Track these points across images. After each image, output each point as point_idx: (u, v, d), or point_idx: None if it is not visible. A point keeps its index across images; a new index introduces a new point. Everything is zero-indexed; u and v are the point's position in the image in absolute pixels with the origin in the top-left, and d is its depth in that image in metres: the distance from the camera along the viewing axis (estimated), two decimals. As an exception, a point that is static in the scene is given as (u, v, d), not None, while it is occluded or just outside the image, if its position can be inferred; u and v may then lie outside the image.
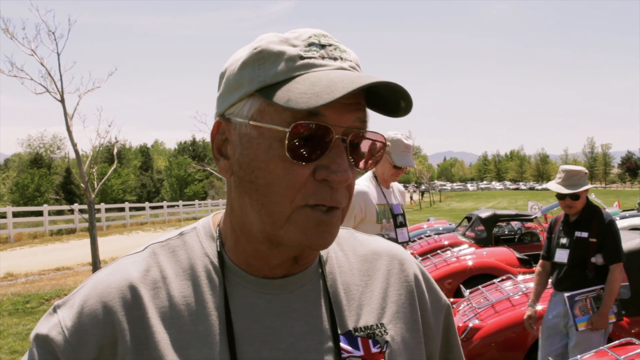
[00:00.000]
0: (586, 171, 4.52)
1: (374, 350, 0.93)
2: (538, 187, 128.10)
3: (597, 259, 4.33)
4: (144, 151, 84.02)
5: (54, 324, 0.86)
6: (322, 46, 0.84)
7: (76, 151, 10.19)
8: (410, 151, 4.02)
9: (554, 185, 4.49)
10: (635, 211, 19.99)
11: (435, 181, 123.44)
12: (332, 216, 0.83)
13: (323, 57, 0.83)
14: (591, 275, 4.34)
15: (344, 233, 1.06)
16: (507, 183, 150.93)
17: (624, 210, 21.89)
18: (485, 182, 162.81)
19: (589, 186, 4.44)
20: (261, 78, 0.82)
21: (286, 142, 0.79)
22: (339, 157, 0.81)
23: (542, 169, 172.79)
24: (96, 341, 0.84)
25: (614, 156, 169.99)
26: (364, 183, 3.92)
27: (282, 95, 0.78)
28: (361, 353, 0.92)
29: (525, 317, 4.66)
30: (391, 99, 0.85)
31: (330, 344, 0.90)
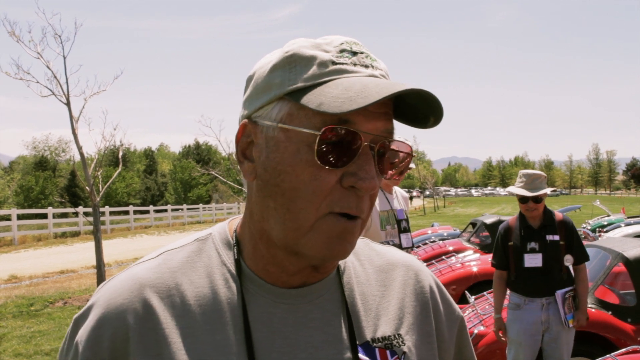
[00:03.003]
0: (545, 175, 4.59)
1: None
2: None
3: (569, 261, 4.41)
4: (148, 154, 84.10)
5: (74, 339, 0.87)
6: (354, 53, 0.84)
7: (81, 154, 10.20)
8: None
9: (517, 189, 4.50)
10: (641, 218, 19.91)
11: (440, 187, 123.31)
12: (354, 225, 0.82)
13: (355, 64, 0.82)
14: (565, 276, 4.42)
15: (360, 243, 1.05)
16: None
17: (629, 217, 21.81)
18: (489, 187, 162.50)
19: (549, 189, 4.51)
20: (292, 81, 0.81)
21: (315, 146, 0.78)
22: (367, 165, 0.80)
23: (547, 175, 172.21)
24: (109, 355, 0.83)
25: (618, 163, 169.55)
26: None
27: (314, 99, 0.77)
28: None
29: (495, 329, 4.66)
30: (420, 108, 0.84)
31: (349, 354, 0.89)
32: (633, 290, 5.30)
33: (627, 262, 5.34)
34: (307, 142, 0.79)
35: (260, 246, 0.89)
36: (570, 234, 4.45)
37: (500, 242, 4.69)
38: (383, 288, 0.99)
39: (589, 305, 5.33)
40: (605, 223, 20.69)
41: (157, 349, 0.83)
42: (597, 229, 18.50)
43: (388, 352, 0.92)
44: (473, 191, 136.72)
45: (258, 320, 0.87)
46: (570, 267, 4.45)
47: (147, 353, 0.83)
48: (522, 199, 4.49)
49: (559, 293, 4.32)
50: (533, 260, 4.43)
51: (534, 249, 4.45)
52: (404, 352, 0.94)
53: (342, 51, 0.83)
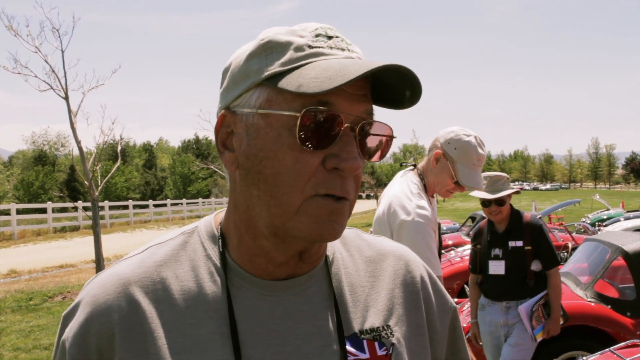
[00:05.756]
0: (508, 176, 4.40)
1: (380, 352, 0.91)
2: (542, 187, 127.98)
3: (536, 266, 4.22)
4: (147, 149, 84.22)
5: (61, 337, 0.88)
6: (329, 37, 0.84)
7: (80, 148, 10.19)
8: (482, 165, 2.82)
9: (478, 192, 4.21)
10: (640, 212, 19.95)
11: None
12: (342, 206, 0.82)
13: (331, 47, 0.83)
14: (532, 283, 4.23)
15: (350, 233, 1.04)
16: (511, 183, 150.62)
17: (628, 211, 21.87)
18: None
19: (513, 190, 4.30)
20: (269, 67, 0.81)
21: (297, 128, 0.78)
22: (349, 146, 0.80)
23: (546, 170, 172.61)
24: (96, 352, 0.84)
25: (618, 157, 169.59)
26: (423, 203, 2.60)
27: (293, 82, 0.77)
28: (367, 356, 0.90)
29: (471, 334, 4.60)
30: (399, 88, 0.84)
31: (336, 346, 0.88)
32: (632, 284, 5.30)
33: (626, 256, 5.34)
34: (287, 126, 0.79)
35: (246, 237, 0.88)
36: (537, 237, 4.25)
37: (472, 245, 4.63)
38: (372, 279, 0.98)
39: (588, 300, 5.34)
40: (605, 217, 20.74)
41: (143, 344, 0.83)
42: (597, 223, 18.54)
43: (376, 343, 0.91)
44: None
45: (244, 313, 0.87)
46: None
47: (133, 349, 0.83)
48: (485, 202, 4.31)
49: (522, 309, 4.13)
50: (496, 267, 4.30)
51: (498, 255, 4.31)
52: (393, 344, 0.92)
53: (317, 35, 0.83)
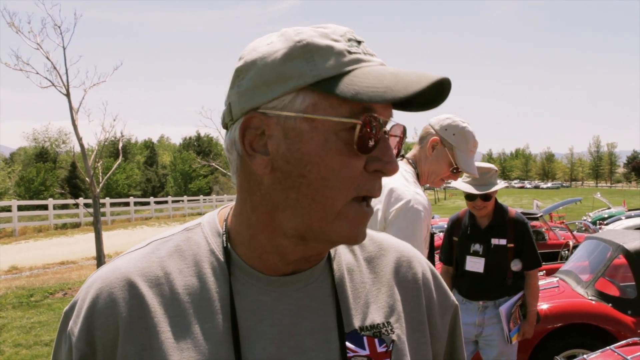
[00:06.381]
0: (496, 169, 4.05)
1: (380, 349, 0.91)
2: (543, 185, 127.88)
3: (516, 266, 4.01)
4: (149, 146, 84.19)
5: (65, 331, 0.89)
6: (358, 42, 0.84)
7: (81, 145, 10.19)
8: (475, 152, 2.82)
9: (463, 185, 3.96)
10: (641, 211, 19.94)
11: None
12: (370, 209, 0.86)
13: (365, 53, 0.84)
14: (510, 282, 4.01)
15: None
16: (513, 182, 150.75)
17: (629, 210, 21.87)
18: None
19: (501, 185, 4.02)
20: (315, 72, 0.80)
21: (356, 134, 0.80)
22: (388, 149, 0.84)
23: (548, 168, 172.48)
24: (101, 345, 0.84)
25: (619, 155, 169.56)
26: (420, 191, 2.52)
27: (347, 89, 0.78)
28: (367, 352, 0.90)
29: None
30: (429, 94, 0.85)
31: (336, 343, 0.88)
32: (633, 283, 5.30)
33: (627, 254, 5.34)
34: (334, 131, 0.80)
35: (260, 236, 0.88)
36: (521, 236, 4.01)
37: (446, 235, 4.36)
38: (373, 275, 0.98)
39: (589, 298, 5.33)
40: (606, 215, 20.75)
41: (147, 338, 0.84)
42: (598, 222, 18.55)
43: (376, 340, 0.91)
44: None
45: (246, 308, 0.87)
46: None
47: (137, 342, 0.83)
48: (469, 196, 4.01)
49: (503, 310, 3.91)
50: (475, 264, 4.04)
51: (477, 252, 4.05)
52: (393, 341, 0.93)
53: (349, 40, 0.83)
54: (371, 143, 0.81)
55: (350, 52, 0.82)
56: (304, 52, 0.81)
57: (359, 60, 0.81)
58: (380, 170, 0.83)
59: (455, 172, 2.71)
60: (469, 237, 4.12)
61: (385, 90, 0.76)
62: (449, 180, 2.87)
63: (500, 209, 4.09)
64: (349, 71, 0.80)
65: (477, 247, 4.06)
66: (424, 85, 0.76)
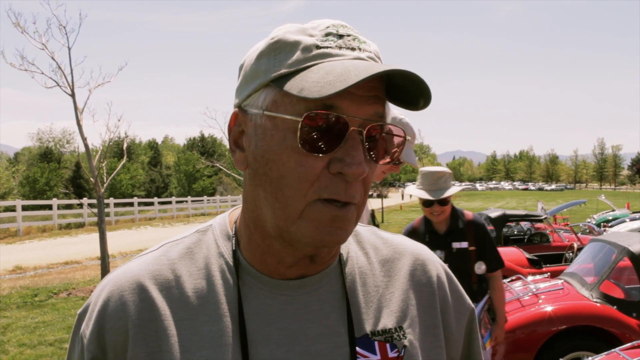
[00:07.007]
0: (450, 171, 3.98)
1: (391, 354, 0.90)
2: (547, 187, 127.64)
3: (480, 268, 3.92)
4: (153, 146, 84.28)
5: (78, 333, 0.90)
6: (340, 36, 0.81)
7: (86, 145, 10.23)
8: (414, 143, 2.96)
9: (418, 192, 3.90)
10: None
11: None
12: (346, 211, 0.80)
13: (340, 47, 0.80)
14: (475, 286, 3.93)
15: (366, 231, 1.02)
16: (516, 183, 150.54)
17: (634, 212, 21.82)
18: (494, 182, 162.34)
19: (457, 189, 3.95)
20: (276, 68, 0.80)
21: (298, 132, 0.76)
22: (354, 150, 0.78)
23: (552, 170, 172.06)
24: (112, 347, 0.85)
25: (624, 158, 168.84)
26: None
27: (296, 85, 0.76)
28: (378, 357, 0.89)
29: None
30: (410, 90, 0.81)
31: (346, 347, 0.87)
32: (638, 285, 5.29)
33: (632, 256, 5.33)
34: (292, 129, 0.78)
35: (255, 236, 0.88)
36: (481, 237, 3.94)
37: None
38: (387, 278, 0.96)
39: (594, 300, 5.32)
40: (610, 218, 20.70)
41: (157, 341, 0.84)
42: (602, 224, 18.49)
43: (388, 345, 0.90)
44: (478, 185, 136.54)
45: (254, 312, 0.87)
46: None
47: (147, 345, 0.84)
48: (426, 203, 3.91)
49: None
50: None
51: (440, 258, 3.92)
52: (405, 346, 0.91)
53: (327, 34, 0.81)
54: (320, 143, 0.77)
55: (319, 47, 0.79)
56: (273, 49, 0.81)
57: (325, 55, 0.79)
58: (340, 172, 0.78)
59: (395, 165, 2.75)
60: (428, 244, 3.88)
61: (324, 85, 0.73)
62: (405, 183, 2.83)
63: (457, 214, 4.02)
64: (310, 66, 0.78)
65: (438, 253, 3.91)
66: (361, 77, 0.72)
